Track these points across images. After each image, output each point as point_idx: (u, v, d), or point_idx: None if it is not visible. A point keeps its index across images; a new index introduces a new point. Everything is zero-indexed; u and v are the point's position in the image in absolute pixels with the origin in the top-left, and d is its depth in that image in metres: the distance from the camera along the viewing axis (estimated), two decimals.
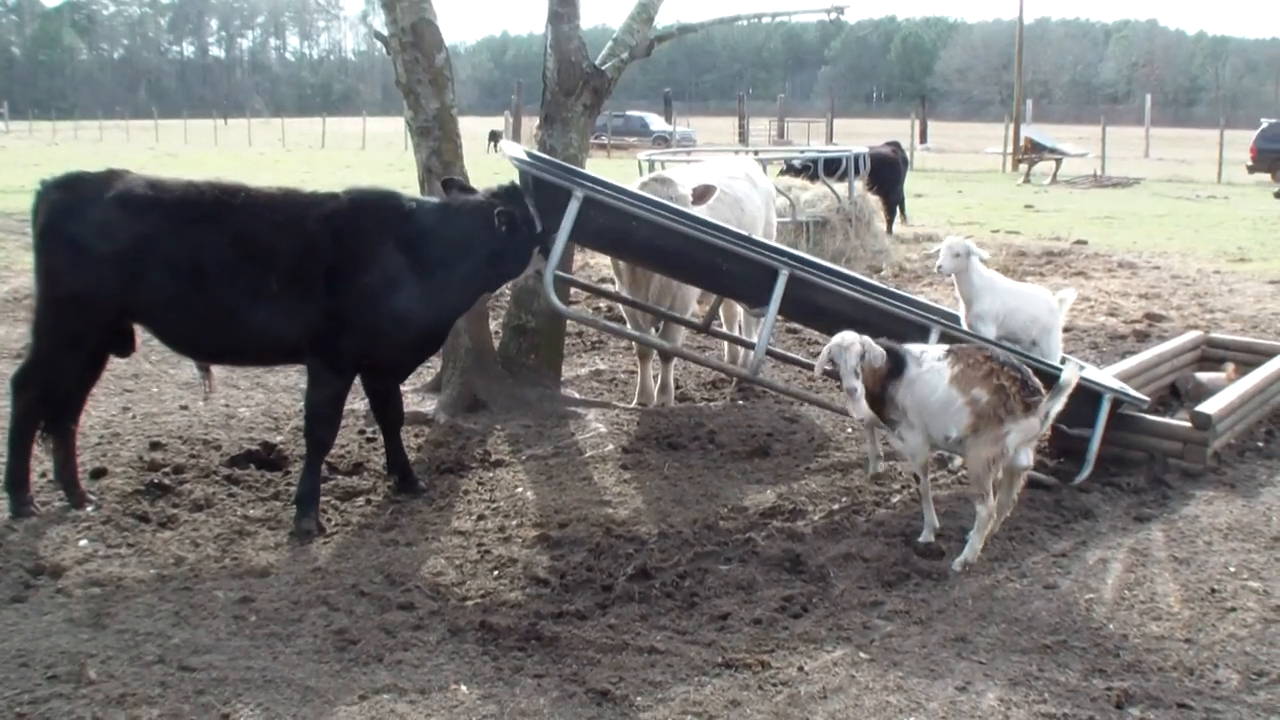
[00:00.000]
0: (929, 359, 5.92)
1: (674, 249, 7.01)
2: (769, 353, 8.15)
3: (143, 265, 5.94)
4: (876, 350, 5.85)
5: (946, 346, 6.15)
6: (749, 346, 8.65)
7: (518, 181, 6.74)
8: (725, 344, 9.92)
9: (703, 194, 8.08)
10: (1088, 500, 6.65)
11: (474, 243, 6.37)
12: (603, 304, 12.33)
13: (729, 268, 7.02)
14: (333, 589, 5.32)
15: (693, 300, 8.76)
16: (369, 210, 6.31)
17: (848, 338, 5.88)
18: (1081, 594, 5.43)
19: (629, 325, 8.86)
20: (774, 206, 10.80)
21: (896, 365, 5.88)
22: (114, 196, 5.99)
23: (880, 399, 5.91)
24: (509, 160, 6.94)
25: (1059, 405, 5.82)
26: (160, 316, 6.19)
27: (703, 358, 8.75)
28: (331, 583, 5.40)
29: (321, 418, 6.32)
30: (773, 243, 8.70)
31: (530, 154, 7.38)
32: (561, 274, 7.36)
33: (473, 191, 6.71)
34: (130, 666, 4.51)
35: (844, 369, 5.80)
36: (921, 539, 5.97)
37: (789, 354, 9.41)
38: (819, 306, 7.14)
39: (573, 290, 11.65)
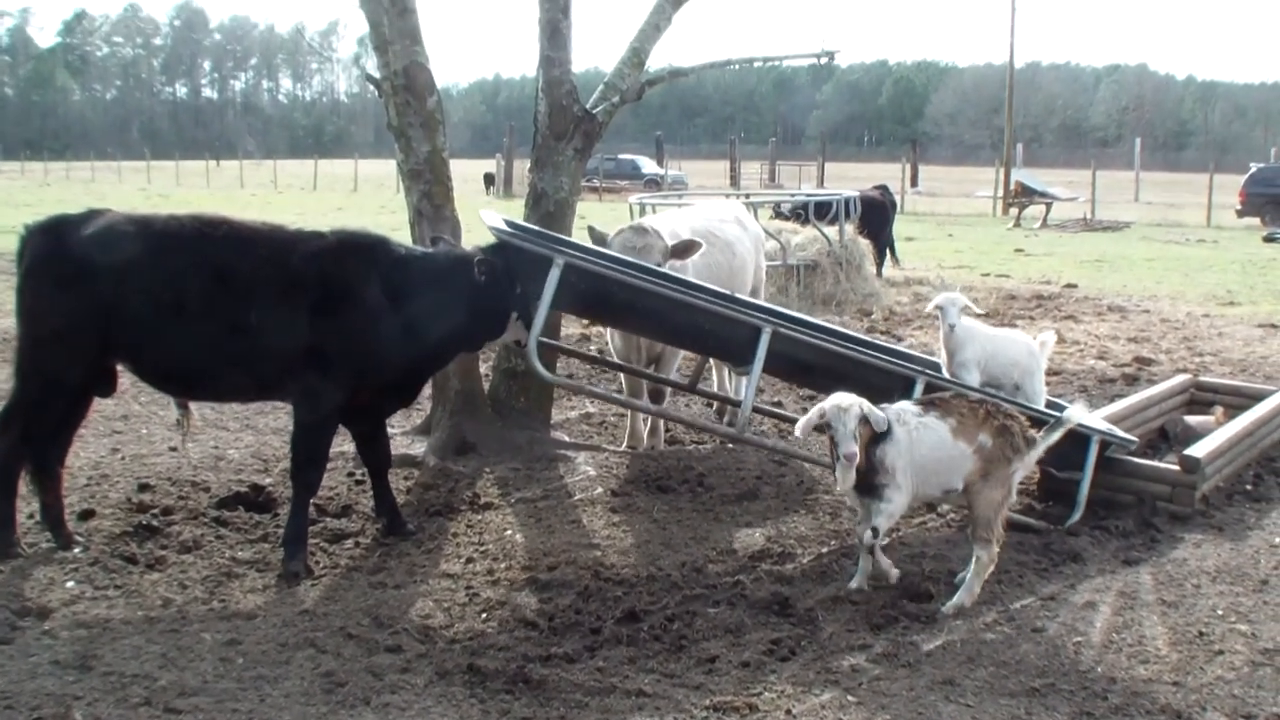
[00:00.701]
0: (910, 417, 5.78)
1: (656, 312, 6.94)
2: (756, 409, 8.13)
3: (125, 302, 5.97)
4: (878, 414, 5.59)
5: (914, 404, 6.05)
6: (735, 404, 8.66)
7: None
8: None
9: (685, 249, 8.00)
10: (1076, 543, 6.64)
11: (456, 291, 6.41)
12: (593, 348, 12.34)
13: (711, 328, 6.95)
14: (320, 631, 5.30)
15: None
16: (354, 250, 6.36)
17: (846, 399, 5.57)
18: (1070, 637, 5.42)
19: (620, 376, 8.88)
20: (763, 249, 10.84)
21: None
22: (95, 235, 6.01)
23: (864, 464, 5.65)
24: (488, 229, 6.90)
25: (1054, 438, 5.86)
26: (143, 353, 6.19)
27: (689, 418, 8.78)
28: (319, 625, 5.38)
29: (308, 459, 6.32)
30: (757, 300, 8.69)
31: (509, 222, 7.32)
32: (545, 340, 7.33)
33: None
34: (117, 709, 4.49)
35: (842, 433, 5.46)
36: (853, 584, 5.91)
37: (776, 410, 9.40)
38: (803, 362, 7.10)
39: (564, 337, 11.65)
